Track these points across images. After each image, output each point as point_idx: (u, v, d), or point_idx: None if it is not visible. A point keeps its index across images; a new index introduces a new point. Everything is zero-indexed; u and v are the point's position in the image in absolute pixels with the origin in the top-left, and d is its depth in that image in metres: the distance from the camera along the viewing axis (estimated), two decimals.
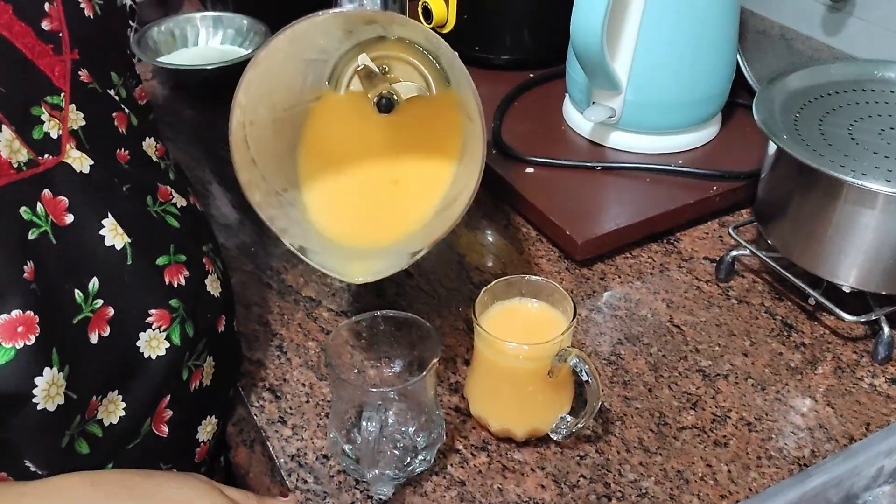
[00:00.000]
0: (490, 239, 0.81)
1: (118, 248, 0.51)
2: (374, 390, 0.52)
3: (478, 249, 0.80)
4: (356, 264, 0.57)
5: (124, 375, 0.52)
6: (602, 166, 0.83)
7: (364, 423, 0.51)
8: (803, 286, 0.69)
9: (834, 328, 0.70)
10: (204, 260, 0.58)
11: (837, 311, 0.67)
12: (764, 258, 0.72)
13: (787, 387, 0.65)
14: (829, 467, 0.54)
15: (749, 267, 0.77)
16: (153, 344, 0.52)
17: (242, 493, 0.53)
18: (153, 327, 0.52)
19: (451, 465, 0.60)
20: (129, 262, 0.52)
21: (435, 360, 0.55)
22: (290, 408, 0.65)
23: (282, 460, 0.61)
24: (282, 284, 0.76)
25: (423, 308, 0.73)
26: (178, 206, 0.57)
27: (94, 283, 0.50)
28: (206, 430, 0.59)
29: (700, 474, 0.59)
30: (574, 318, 0.57)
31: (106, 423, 0.51)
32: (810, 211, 0.66)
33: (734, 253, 0.74)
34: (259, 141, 0.58)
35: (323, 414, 0.64)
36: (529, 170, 0.84)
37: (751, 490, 0.58)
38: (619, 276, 0.76)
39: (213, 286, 0.58)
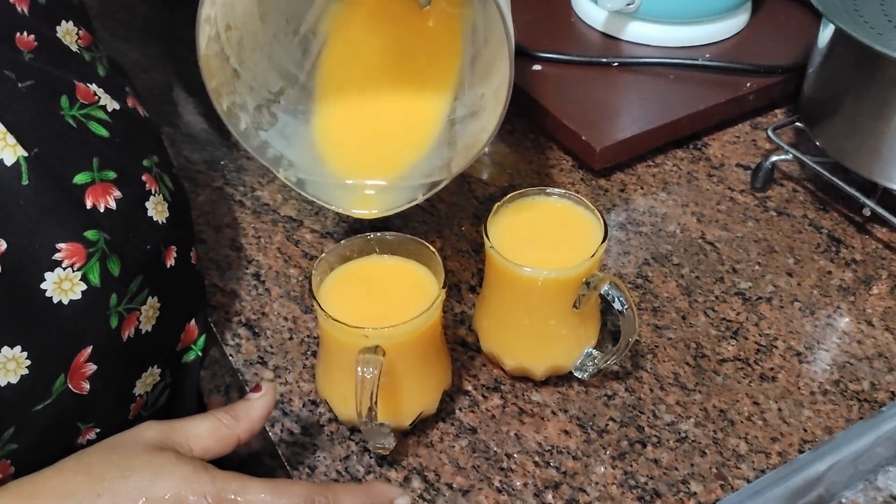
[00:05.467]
0: (493, 146, 0.72)
1: (7, 163, 0.40)
2: (371, 329, 0.43)
3: (480, 159, 0.70)
4: (365, 198, 0.48)
5: (25, 326, 0.41)
6: (619, 62, 0.73)
7: (359, 370, 0.43)
8: (856, 194, 0.60)
9: (888, 241, 0.62)
10: (144, 178, 0.47)
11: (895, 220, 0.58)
12: (810, 163, 0.63)
13: (838, 310, 0.57)
14: None
15: (788, 174, 0.68)
16: (64, 286, 0.42)
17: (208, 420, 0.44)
18: (63, 266, 0.42)
19: (460, 409, 0.52)
20: (26, 182, 0.41)
21: (441, 291, 0.46)
22: (271, 346, 0.56)
23: None
24: (257, 203, 0.66)
25: (421, 228, 0.64)
26: (109, 109, 0.46)
27: None
28: (144, 382, 0.49)
29: (746, 413, 0.51)
30: (605, 238, 0.48)
31: (3, 383, 0.41)
32: (870, 105, 0.57)
33: (774, 158, 0.65)
34: (241, 43, 0.48)
35: (309, 353, 0.55)
36: (536, 67, 0.73)
37: (805, 430, 0.50)
38: (642, 187, 0.67)
39: (156, 210, 0.47)
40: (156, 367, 0.49)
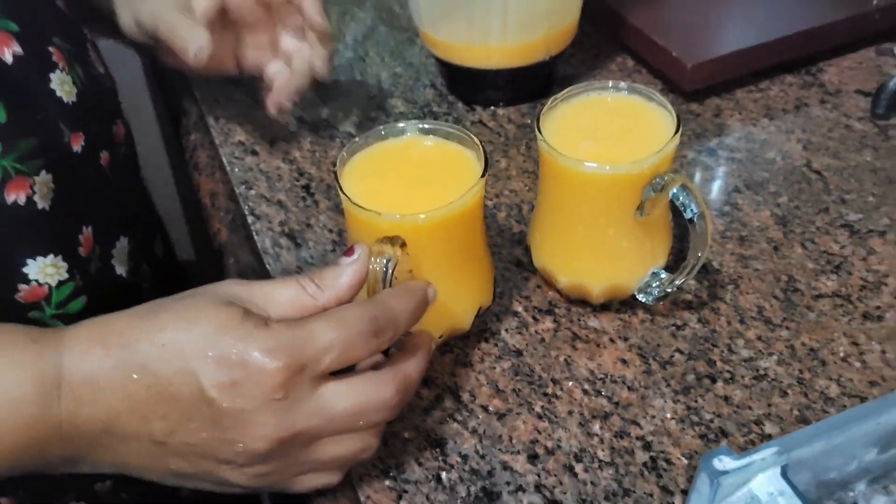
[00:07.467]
0: (577, 69, 0.65)
1: None
2: (388, 215, 0.39)
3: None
4: None
5: None
6: None
7: (372, 260, 0.38)
8: None
9: None
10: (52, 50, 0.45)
11: None
12: None
13: None
14: None
15: None
16: None
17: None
18: None
19: (506, 330, 0.47)
20: None
21: (481, 178, 0.40)
22: (312, 257, 0.52)
23: None
24: (316, 118, 0.63)
25: (486, 147, 0.59)
26: None
27: None
28: (39, 267, 0.44)
29: (841, 354, 0.43)
30: (678, 132, 0.41)
31: None
32: None
33: None
34: None
35: None
36: None
37: None
38: (740, 113, 0.59)
39: (62, 88, 0.45)
40: (59, 257, 0.45)
